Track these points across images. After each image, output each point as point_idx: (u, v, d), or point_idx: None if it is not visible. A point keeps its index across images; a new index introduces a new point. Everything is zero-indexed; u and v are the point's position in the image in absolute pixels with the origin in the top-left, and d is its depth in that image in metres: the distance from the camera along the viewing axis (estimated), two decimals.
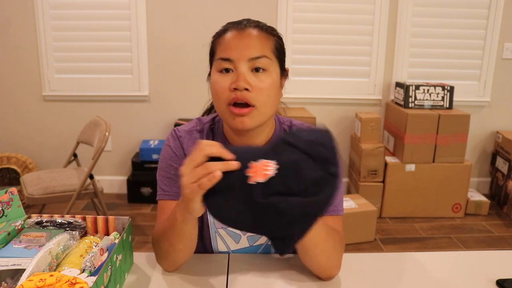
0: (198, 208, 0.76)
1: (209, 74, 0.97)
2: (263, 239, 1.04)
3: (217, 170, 0.72)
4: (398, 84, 3.22)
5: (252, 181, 0.72)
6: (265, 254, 1.05)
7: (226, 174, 0.72)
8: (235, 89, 0.88)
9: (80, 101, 3.31)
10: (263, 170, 0.72)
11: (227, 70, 0.90)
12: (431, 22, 3.24)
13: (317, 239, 0.87)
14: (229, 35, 0.91)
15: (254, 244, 1.04)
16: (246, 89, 0.88)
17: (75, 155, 2.71)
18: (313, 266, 0.92)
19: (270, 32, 0.94)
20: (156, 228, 0.97)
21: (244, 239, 1.03)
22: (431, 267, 0.99)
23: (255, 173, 0.73)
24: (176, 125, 3.15)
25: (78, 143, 2.66)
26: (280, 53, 0.95)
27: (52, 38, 3.18)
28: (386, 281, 0.94)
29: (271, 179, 0.72)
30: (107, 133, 2.31)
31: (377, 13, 3.20)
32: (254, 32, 0.91)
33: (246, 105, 0.88)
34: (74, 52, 3.21)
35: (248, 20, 0.94)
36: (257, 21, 0.95)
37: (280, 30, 3.16)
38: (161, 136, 3.37)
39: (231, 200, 0.73)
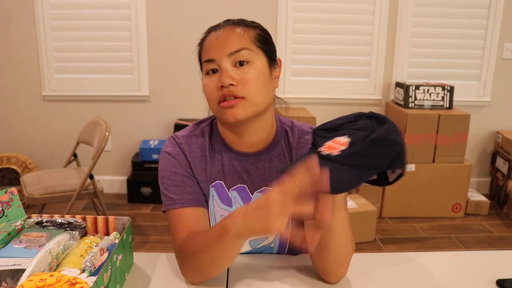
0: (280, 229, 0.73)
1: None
2: (265, 242, 1.03)
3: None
4: (398, 84, 3.22)
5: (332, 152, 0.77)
6: (268, 254, 1.05)
7: None
8: (222, 87, 0.89)
9: (80, 101, 3.31)
10: (337, 144, 0.78)
11: (213, 71, 0.92)
12: (431, 22, 3.24)
13: (342, 221, 0.86)
14: (209, 38, 0.94)
15: (257, 247, 1.04)
16: (231, 85, 0.88)
17: (75, 155, 2.71)
18: (328, 255, 0.88)
19: (249, 25, 0.95)
20: (182, 238, 0.91)
21: (246, 244, 1.03)
22: (431, 267, 0.99)
23: (330, 148, 0.78)
24: (176, 125, 3.15)
25: (78, 143, 2.66)
26: (264, 43, 0.95)
27: (52, 38, 3.18)
28: (386, 281, 0.94)
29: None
30: (107, 133, 2.31)
31: (377, 13, 3.20)
32: (231, 29, 0.93)
33: (234, 99, 0.89)
34: (74, 52, 3.21)
35: (227, 20, 0.96)
36: (238, 19, 0.97)
37: (280, 30, 3.16)
38: (161, 136, 3.37)
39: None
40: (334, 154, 0.77)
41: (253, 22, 0.97)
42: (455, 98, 3.11)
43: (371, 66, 3.30)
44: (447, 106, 3.09)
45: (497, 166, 3.35)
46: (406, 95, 3.07)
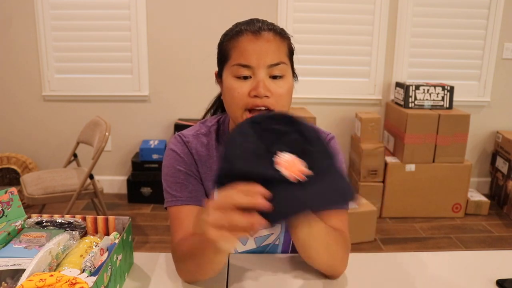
0: (229, 247, 0.67)
1: (218, 75, 0.96)
2: (270, 239, 1.03)
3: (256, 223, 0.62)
4: (398, 84, 3.22)
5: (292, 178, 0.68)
6: (267, 254, 1.05)
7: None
8: (256, 96, 0.87)
9: (80, 101, 3.31)
10: (296, 169, 0.69)
11: (245, 77, 0.88)
12: (431, 22, 3.24)
13: (318, 235, 0.85)
14: (245, 39, 0.89)
15: (262, 245, 1.04)
16: (266, 96, 0.87)
17: (75, 155, 2.71)
18: (315, 264, 0.91)
19: (283, 35, 0.94)
20: (178, 240, 0.92)
21: (251, 241, 1.03)
22: (431, 267, 0.99)
23: (288, 169, 0.69)
24: (176, 125, 3.15)
25: (78, 143, 2.66)
26: (292, 55, 0.96)
27: (52, 38, 3.18)
28: (386, 281, 0.94)
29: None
30: (107, 133, 2.31)
31: (377, 13, 3.20)
32: (270, 36, 0.89)
33: (266, 109, 0.88)
34: (74, 52, 3.21)
35: (262, 22, 0.92)
36: (268, 22, 0.93)
37: None
38: (161, 136, 3.37)
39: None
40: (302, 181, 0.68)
41: (284, 32, 0.95)
42: (455, 98, 3.11)
43: (371, 66, 3.30)
44: (447, 106, 3.09)
45: (497, 166, 3.35)
46: (406, 95, 3.07)
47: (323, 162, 0.72)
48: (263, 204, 0.63)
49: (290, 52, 0.95)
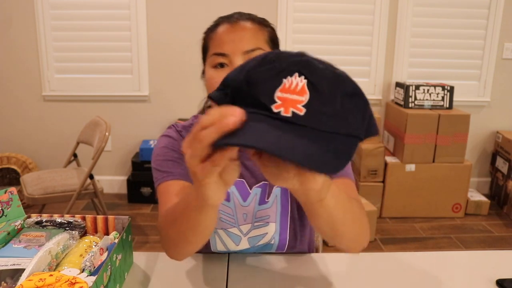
0: (215, 194, 0.57)
1: (203, 72, 0.95)
2: (264, 240, 1.02)
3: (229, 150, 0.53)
4: (398, 84, 3.22)
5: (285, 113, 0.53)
6: (266, 254, 1.04)
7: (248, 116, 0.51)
8: None
9: (80, 101, 3.31)
10: (294, 94, 0.53)
11: (221, 65, 0.88)
12: (431, 22, 3.24)
13: (342, 204, 0.71)
14: (221, 29, 0.90)
15: (256, 245, 1.03)
16: None
17: (75, 155, 2.71)
18: (344, 239, 0.77)
19: (262, 23, 0.93)
20: (162, 213, 0.86)
21: (245, 241, 1.02)
22: (431, 267, 0.99)
23: (286, 103, 0.53)
24: None
25: (78, 143, 2.66)
26: (274, 44, 0.94)
27: (52, 38, 3.18)
28: (386, 281, 0.94)
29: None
30: (107, 133, 2.31)
31: (377, 13, 3.20)
32: (247, 24, 0.90)
33: None
34: (74, 52, 3.21)
35: (240, 13, 0.93)
36: (249, 14, 0.94)
37: (280, 30, 3.16)
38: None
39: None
40: (301, 114, 0.52)
41: (265, 20, 0.95)
42: (455, 98, 3.11)
43: (371, 66, 3.30)
44: (447, 106, 3.09)
45: (497, 166, 3.35)
46: (406, 95, 3.07)
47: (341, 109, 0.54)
48: (227, 123, 0.49)
49: (273, 42, 0.93)
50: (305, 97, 0.53)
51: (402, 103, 3.10)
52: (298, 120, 0.52)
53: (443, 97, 3.09)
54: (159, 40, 3.21)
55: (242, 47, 0.87)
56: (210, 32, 0.93)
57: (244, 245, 1.02)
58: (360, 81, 3.36)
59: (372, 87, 3.35)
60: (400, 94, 3.16)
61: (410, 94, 3.07)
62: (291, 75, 0.54)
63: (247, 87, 0.56)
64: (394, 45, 3.26)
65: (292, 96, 0.53)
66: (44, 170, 2.77)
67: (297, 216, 1.03)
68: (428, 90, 3.08)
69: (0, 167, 3.18)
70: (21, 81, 3.26)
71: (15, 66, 3.23)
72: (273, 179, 0.57)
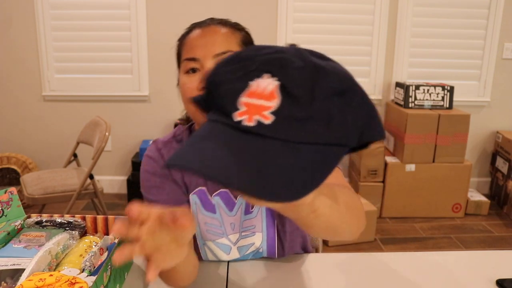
0: (177, 257, 0.57)
1: (178, 80, 0.94)
2: (254, 247, 1.01)
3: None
4: (398, 84, 3.22)
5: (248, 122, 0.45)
6: (266, 259, 1.03)
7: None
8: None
9: (80, 101, 3.31)
10: (261, 99, 0.45)
11: (193, 70, 0.86)
12: (431, 22, 3.24)
13: (336, 201, 0.63)
14: (193, 34, 0.89)
15: (246, 253, 1.02)
16: None
17: (75, 155, 2.71)
18: (345, 232, 0.69)
19: (235, 27, 0.92)
20: None
21: (235, 250, 1.01)
22: (431, 267, 0.99)
23: (251, 110, 0.45)
24: (176, 125, 3.15)
25: (78, 143, 2.66)
26: None
27: (52, 38, 3.18)
28: (386, 281, 0.94)
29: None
30: (107, 133, 2.31)
31: (377, 13, 3.20)
32: (217, 28, 0.89)
33: None
34: (74, 52, 3.21)
35: (212, 19, 0.92)
36: (222, 19, 0.93)
37: (280, 30, 3.16)
38: (161, 136, 3.37)
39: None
40: (267, 122, 0.44)
41: (237, 24, 0.94)
42: (455, 98, 3.11)
43: (371, 66, 3.30)
44: (447, 106, 3.09)
45: (497, 166, 3.35)
46: (406, 95, 3.07)
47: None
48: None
49: (246, 44, 0.91)
50: (274, 102, 0.44)
51: (402, 103, 3.10)
52: (262, 130, 0.44)
53: (443, 97, 3.09)
54: (159, 40, 3.21)
55: (213, 51, 0.85)
56: (182, 39, 0.91)
57: (234, 254, 1.01)
58: (360, 81, 3.35)
59: (372, 87, 3.35)
60: (400, 94, 3.16)
61: (410, 94, 3.07)
62: (259, 76, 0.46)
63: (213, 89, 0.50)
64: (394, 45, 3.26)
65: (259, 101, 0.44)
66: (44, 170, 2.77)
67: (282, 223, 1.01)
68: (428, 90, 3.08)
69: (0, 167, 3.18)
70: (21, 81, 3.26)
71: (15, 66, 3.23)
72: (253, 202, 0.48)
